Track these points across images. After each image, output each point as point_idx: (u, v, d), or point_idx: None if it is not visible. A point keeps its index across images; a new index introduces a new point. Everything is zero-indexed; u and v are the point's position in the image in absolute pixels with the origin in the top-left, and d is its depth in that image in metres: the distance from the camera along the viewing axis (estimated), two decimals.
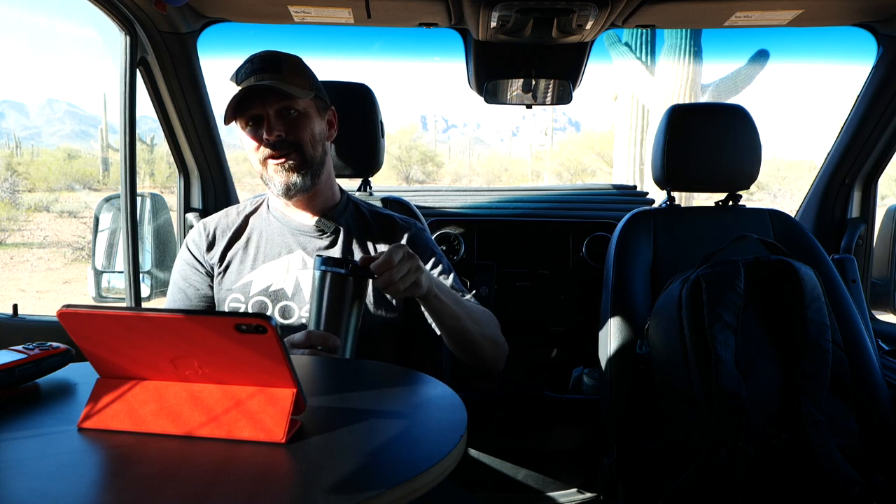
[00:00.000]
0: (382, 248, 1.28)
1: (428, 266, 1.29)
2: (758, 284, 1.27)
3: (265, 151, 1.19)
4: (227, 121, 1.20)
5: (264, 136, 1.18)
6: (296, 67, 1.21)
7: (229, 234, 1.30)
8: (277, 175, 1.20)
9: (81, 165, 18.70)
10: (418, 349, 1.37)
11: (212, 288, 1.29)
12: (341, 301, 1.05)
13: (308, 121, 1.21)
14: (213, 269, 1.29)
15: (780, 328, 1.25)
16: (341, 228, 1.28)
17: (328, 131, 1.28)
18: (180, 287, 1.30)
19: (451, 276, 1.31)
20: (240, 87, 1.16)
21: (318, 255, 1.06)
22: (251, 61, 1.19)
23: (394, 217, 1.35)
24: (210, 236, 1.30)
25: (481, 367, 1.26)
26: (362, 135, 1.59)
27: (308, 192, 1.24)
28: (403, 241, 1.29)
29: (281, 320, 1.22)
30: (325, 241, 1.27)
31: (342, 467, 0.59)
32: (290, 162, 1.20)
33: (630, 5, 1.46)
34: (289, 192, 1.21)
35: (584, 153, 20.53)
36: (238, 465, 0.61)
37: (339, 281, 1.04)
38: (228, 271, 1.27)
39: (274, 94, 1.17)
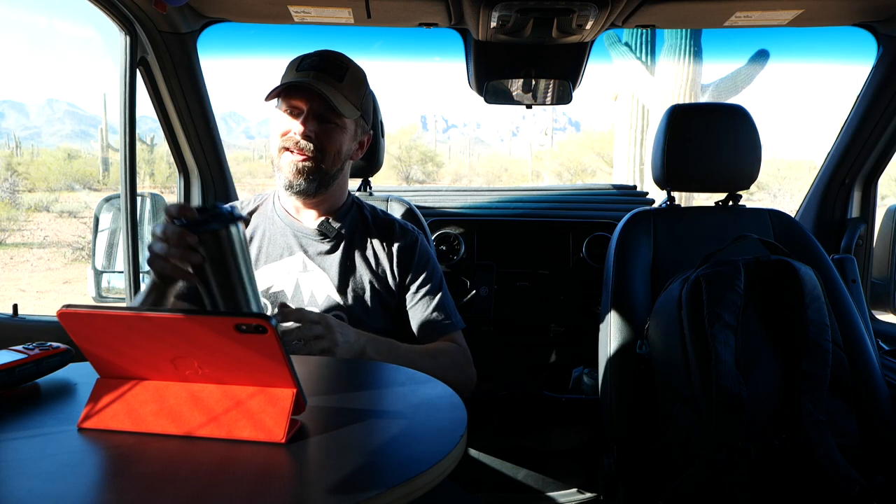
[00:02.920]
0: (381, 252, 1.29)
1: (420, 279, 1.29)
2: (758, 284, 1.27)
3: (288, 142, 1.19)
4: (268, 97, 1.19)
5: (295, 128, 1.18)
6: (357, 83, 1.23)
7: None
8: (287, 168, 1.21)
9: (81, 165, 18.72)
10: None
11: None
12: (225, 260, 0.89)
13: (341, 136, 1.22)
14: None
15: (780, 328, 1.25)
16: (343, 233, 1.28)
17: (355, 151, 1.29)
18: None
19: (439, 295, 1.29)
20: (296, 74, 1.17)
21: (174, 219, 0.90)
22: (320, 55, 1.20)
23: (395, 222, 1.34)
24: None
25: None
26: None
27: (311, 198, 1.24)
28: (399, 249, 1.29)
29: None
30: (327, 246, 1.26)
31: (342, 467, 0.59)
32: (306, 164, 1.20)
33: (630, 5, 1.46)
34: (290, 189, 1.22)
35: (584, 153, 20.54)
36: (238, 465, 0.61)
37: (213, 239, 0.89)
38: None
39: (319, 96, 1.17)
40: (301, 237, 1.27)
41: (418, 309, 1.28)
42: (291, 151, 1.19)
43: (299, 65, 1.20)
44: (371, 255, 1.28)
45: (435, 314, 1.28)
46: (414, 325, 1.27)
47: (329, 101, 1.15)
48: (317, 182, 1.21)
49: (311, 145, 1.18)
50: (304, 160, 1.19)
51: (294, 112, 1.20)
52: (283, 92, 1.19)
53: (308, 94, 1.17)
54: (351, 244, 1.28)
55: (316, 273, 1.24)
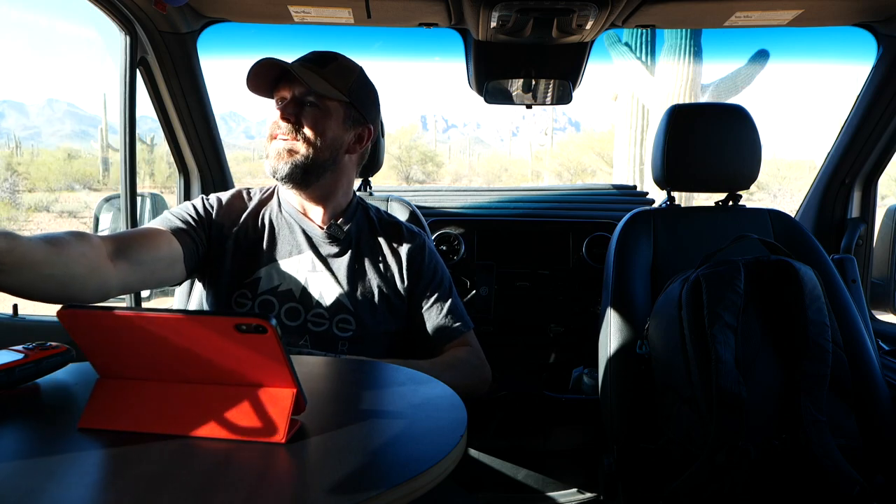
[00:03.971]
0: (390, 256, 1.28)
1: (431, 285, 1.29)
2: (758, 284, 1.27)
3: (273, 129, 1.20)
4: (250, 87, 1.20)
5: (279, 113, 1.19)
6: (342, 71, 1.22)
7: (242, 217, 1.27)
8: (271, 153, 1.21)
9: (81, 165, 18.74)
10: (418, 355, 1.37)
11: (200, 239, 1.22)
12: None
13: (325, 119, 1.20)
14: (213, 239, 1.24)
15: (780, 328, 1.25)
16: (352, 235, 1.27)
17: (351, 144, 1.26)
18: (174, 214, 1.22)
19: (450, 300, 1.30)
20: (263, 59, 1.17)
21: None
22: (312, 52, 1.23)
23: (401, 224, 1.34)
24: (223, 207, 1.27)
25: None
26: None
27: (301, 188, 1.23)
28: (407, 254, 1.29)
29: (287, 322, 1.21)
30: (336, 248, 1.25)
31: (342, 467, 0.59)
32: (286, 146, 1.19)
33: (630, 5, 1.46)
34: (275, 175, 1.21)
35: (584, 153, 20.54)
36: (238, 465, 0.61)
37: None
38: (237, 263, 1.23)
39: (300, 82, 1.18)
40: (311, 236, 1.26)
41: (431, 315, 1.28)
42: (274, 139, 1.20)
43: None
44: (380, 259, 1.28)
45: (447, 319, 1.28)
46: (428, 330, 1.28)
47: (297, 75, 1.15)
48: (301, 169, 1.19)
49: (289, 125, 1.18)
50: (285, 142, 1.19)
51: (282, 104, 1.21)
52: (274, 85, 1.21)
53: (290, 82, 1.19)
54: (359, 247, 1.27)
55: (324, 275, 1.23)
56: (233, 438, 0.65)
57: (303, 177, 1.20)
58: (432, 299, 1.28)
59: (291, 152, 1.19)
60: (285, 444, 0.64)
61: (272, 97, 1.23)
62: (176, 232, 1.18)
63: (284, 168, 1.19)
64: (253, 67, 1.17)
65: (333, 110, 1.21)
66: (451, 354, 1.26)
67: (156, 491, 0.55)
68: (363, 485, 0.56)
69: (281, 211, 1.28)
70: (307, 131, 1.19)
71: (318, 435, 0.66)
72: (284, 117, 1.18)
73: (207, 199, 1.28)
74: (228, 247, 1.24)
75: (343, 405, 0.77)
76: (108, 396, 0.69)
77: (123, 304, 1.68)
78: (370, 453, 0.63)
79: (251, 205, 1.29)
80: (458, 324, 1.29)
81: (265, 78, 1.19)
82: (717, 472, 1.14)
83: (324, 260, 1.24)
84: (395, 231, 1.32)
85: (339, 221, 1.27)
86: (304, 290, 1.22)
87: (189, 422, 0.66)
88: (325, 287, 1.22)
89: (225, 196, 1.30)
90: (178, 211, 1.24)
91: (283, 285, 1.22)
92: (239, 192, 1.32)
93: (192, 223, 1.22)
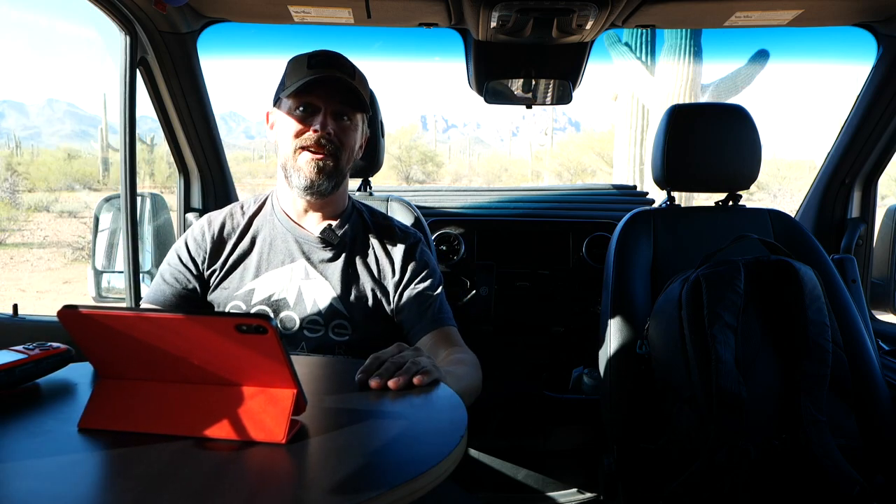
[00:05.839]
0: (383, 257, 1.27)
1: (419, 275, 1.26)
2: (758, 284, 1.27)
3: (307, 141, 1.18)
4: (279, 96, 1.19)
5: (315, 128, 1.17)
6: (364, 82, 1.24)
7: (234, 237, 1.26)
8: (307, 168, 1.18)
9: (81, 165, 18.73)
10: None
11: (195, 290, 1.24)
12: None
13: (355, 133, 1.22)
14: (210, 273, 1.25)
15: (780, 328, 1.25)
16: (346, 240, 1.27)
17: (359, 149, 1.28)
18: (166, 280, 1.25)
19: (438, 292, 1.27)
20: (310, 72, 1.16)
21: None
22: (326, 54, 1.20)
23: (394, 225, 1.33)
24: (214, 238, 1.26)
25: None
26: None
27: (324, 198, 1.23)
28: (400, 252, 1.27)
29: (283, 331, 1.20)
30: (329, 253, 1.25)
31: (342, 467, 0.59)
32: (328, 163, 1.18)
33: (630, 5, 1.46)
34: (309, 189, 1.20)
35: (584, 153, 20.53)
36: (238, 465, 0.61)
37: None
38: (231, 276, 1.24)
39: (337, 93, 1.17)
40: (303, 243, 1.25)
41: (416, 300, 1.23)
42: (311, 150, 1.18)
43: (308, 63, 1.18)
44: (372, 261, 1.27)
45: (432, 308, 1.23)
46: (410, 312, 1.23)
47: (358, 95, 1.17)
48: (335, 181, 1.21)
49: (331, 144, 1.18)
50: (324, 158, 1.18)
51: (307, 110, 1.18)
52: (300, 91, 1.17)
53: (325, 90, 1.17)
54: (353, 251, 1.27)
55: (318, 281, 1.23)
56: (233, 439, 0.65)
57: (332, 189, 1.22)
58: (420, 287, 1.25)
59: (331, 168, 1.19)
60: (285, 445, 0.64)
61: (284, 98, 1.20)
62: (175, 295, 1.23)
63: (324, 183, 1.20)
64: (305, 84, 1.15)
65: (361, 123, 1.24)
66: (455, 357, 1.19)
67: (156, 491, 0.55)
68: (363, 485, 0.56)
69: (274, 220, 1.28)
70: (344, 146, 1.20)
71: (318, 435, 0.66)
72: (328, 133, 1.17)
73: (193, 237, 1.27)
74: (222, 266, 1.25)
75: (343, 405, 0.77)
76: (108, 396, 0.69)
77: (123, 304, 1.68)
78: (370, 453, 0.63)
79: (243, 220, 1.29)
80: (443, 315, 1.24)
81: (296, 87, 1.17)
82: (717, 472, 1.14)
83: (316, 266, 1.24)
84: (387, 232, 1.31)
85: (333, 225, 1.26)
86: (298, 299, 1.22)
87: (189, 422, 0.66)
88: (319, 294, 1.22)
89: (216, 221, 1.28)
90: (167, 272, 1.25)
91: (277, 295, 1.22)
92: (231, 212, 1.31)
93: (186, 278, 1.25)
